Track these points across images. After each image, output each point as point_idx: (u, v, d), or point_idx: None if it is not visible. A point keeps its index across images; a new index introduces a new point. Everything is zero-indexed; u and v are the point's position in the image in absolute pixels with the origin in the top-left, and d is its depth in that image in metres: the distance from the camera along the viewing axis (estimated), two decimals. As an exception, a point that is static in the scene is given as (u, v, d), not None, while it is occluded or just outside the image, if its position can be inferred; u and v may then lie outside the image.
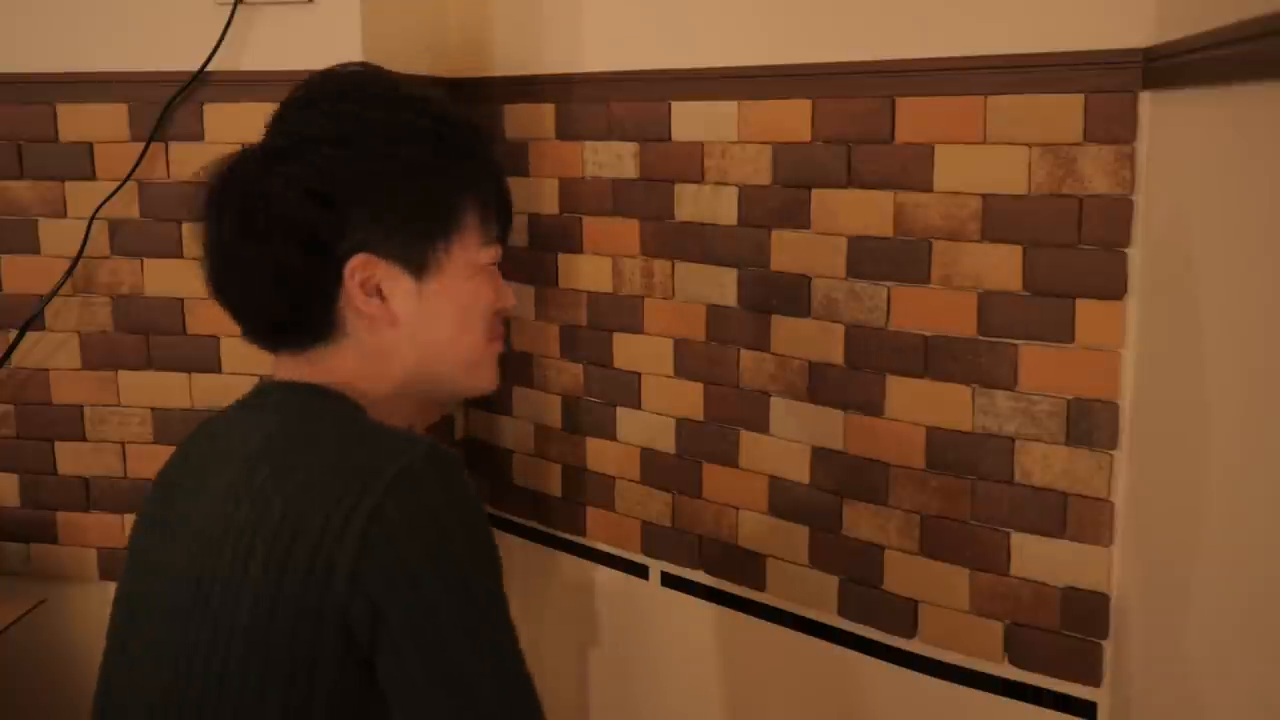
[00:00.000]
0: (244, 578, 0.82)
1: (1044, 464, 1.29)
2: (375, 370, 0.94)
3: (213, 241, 0.93)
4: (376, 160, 0.91)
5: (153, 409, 1.67)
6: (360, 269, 0.91)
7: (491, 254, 0.98)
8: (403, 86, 0.98)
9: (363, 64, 1.00)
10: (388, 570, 0.79)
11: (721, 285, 1.56)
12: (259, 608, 0.81)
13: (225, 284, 0.95)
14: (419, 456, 0.82)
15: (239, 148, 0.95)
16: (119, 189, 1.61)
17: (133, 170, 1.60)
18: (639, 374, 1.67)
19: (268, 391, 0.95)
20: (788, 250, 1.48)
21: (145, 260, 1.64)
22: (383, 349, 0.94)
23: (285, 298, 0.92)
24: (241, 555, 0.83)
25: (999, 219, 1.29)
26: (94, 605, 1.72)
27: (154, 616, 0.89)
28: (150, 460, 1.68)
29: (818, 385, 1.47)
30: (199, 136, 1.60)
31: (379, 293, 0.92)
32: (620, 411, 1.71)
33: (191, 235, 0.99)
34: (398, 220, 0.92)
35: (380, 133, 0.92)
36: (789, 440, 1.52)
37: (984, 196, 1.30)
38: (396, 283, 0.92)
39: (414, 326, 0.94)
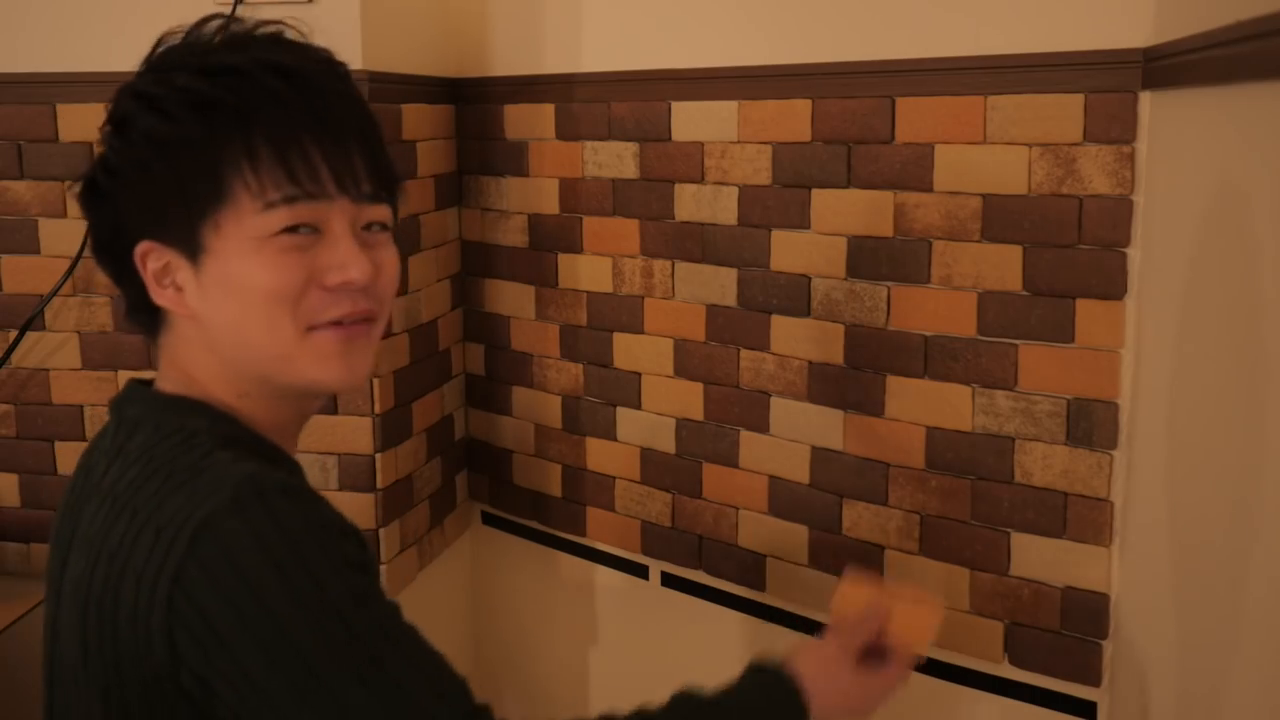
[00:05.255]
0: (85, 641, 0.77)
1: (1044, 464, 1.29)
2: (209, 365, 0.84)
3: None
4: (139, 140, 0.81)
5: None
6: (148, 257, 0.82)
7: (276, 219, 0.79)
8: (205, 41, 0.86)
9: (213, 17, 0.88)
10: (199, 639, 0.71)
11: (721, 285, 1.56)
12: (109, 676, 0.75)
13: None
14: (223, 500, 0.72)
15: None
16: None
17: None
18: (639, 374, 1.67)
19: (128, 403, 0.86)
20: (788, 250, 1.48)
21: (145, 260, 1.64)
22: (202, 343, 0.83)
23: (122, 291, 0.87)
24: (76, 612, 0.78)
25: (999, 219, 1.29)
26: (94, 605, 1.72)
27: (49, 640, 0.86)
28: (150, 460, 1.67)
29: (818, 385, 1.47)
30: (199, 136, 1.60)
31: (175, 283, 0.82)
32: (620, 411, 1.71)
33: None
34: (162, 202, 0.81)
35: (148, 106, 0.81)
36: (789, 440, 1.52)
37: (984, 196, 1.30)
38: (181, 271, 0.81)
39: (205, 318, 0.82)
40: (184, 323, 0.84)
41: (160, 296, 0.82)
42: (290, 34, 0.87)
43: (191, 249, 0.80)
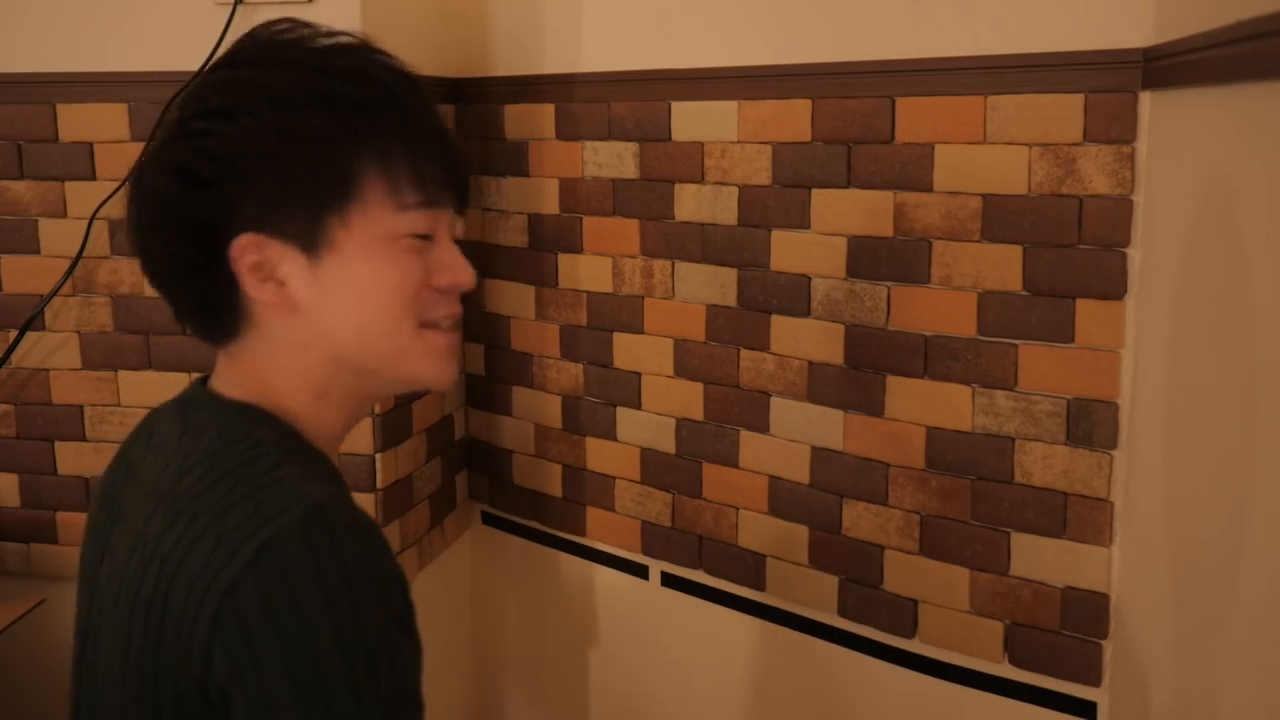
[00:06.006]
0: (129, 640, 0.76)
1: (1044, 464, 1.29)
2: (293, 366, 0.83)
3: (131, 239, 0.86)
4: (260, 130, 0.80)
5: (152, 409, 1.67)
6: (248, 250, 0.80)
7: (409, 222, 0.82)
8: (312, 42, 0.85)
9: (286, 20, 0.88)
10: (235, 655, 0.70)
11: (721, 285, 1.56)
12: (145, 679, 0.75)
13: (151, 281, 0.86)
14: (292, 521, 0.72)
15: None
16: (119, 189, 1.61)
17: (132, 170, 1.60)
18: (639, 374, 1.67)
19: (193, 406, 0.86)
20: (788, 250, 1.48)
21: (145, 260, 1.64)
22: (294, 341, 0.83)
23: (191, 290, 0.84)
24: (125, 615, 0.77)
25: (999, 219, 1.29)
26: (94, 605, 1.72)
27: (86, 653, 0.84)
28: (150, 460, 1.68)
29: (818, 385, 1.47)
30: (199, 136, 1.60)
31: (275, 277, 0.81)
32: (620, 411, 1.71)
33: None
34: (285, 194, 0.80)
35: (267, 98, 0.80)
36: (789, 440, 1.52)
37: (984, 196, 1.30)
38: (290, 264, 0.81)
39: (316, 313, 0.82)
40: (275, 321, 0.83)
41: (259, 290, 0.81)
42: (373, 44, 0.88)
43: (311, 243, 0.81)
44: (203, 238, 0.81)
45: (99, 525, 0.87)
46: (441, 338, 0.85)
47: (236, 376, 0.85)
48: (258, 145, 0.80)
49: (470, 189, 0.90)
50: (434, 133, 0.84)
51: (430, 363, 0.85)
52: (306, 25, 0.87)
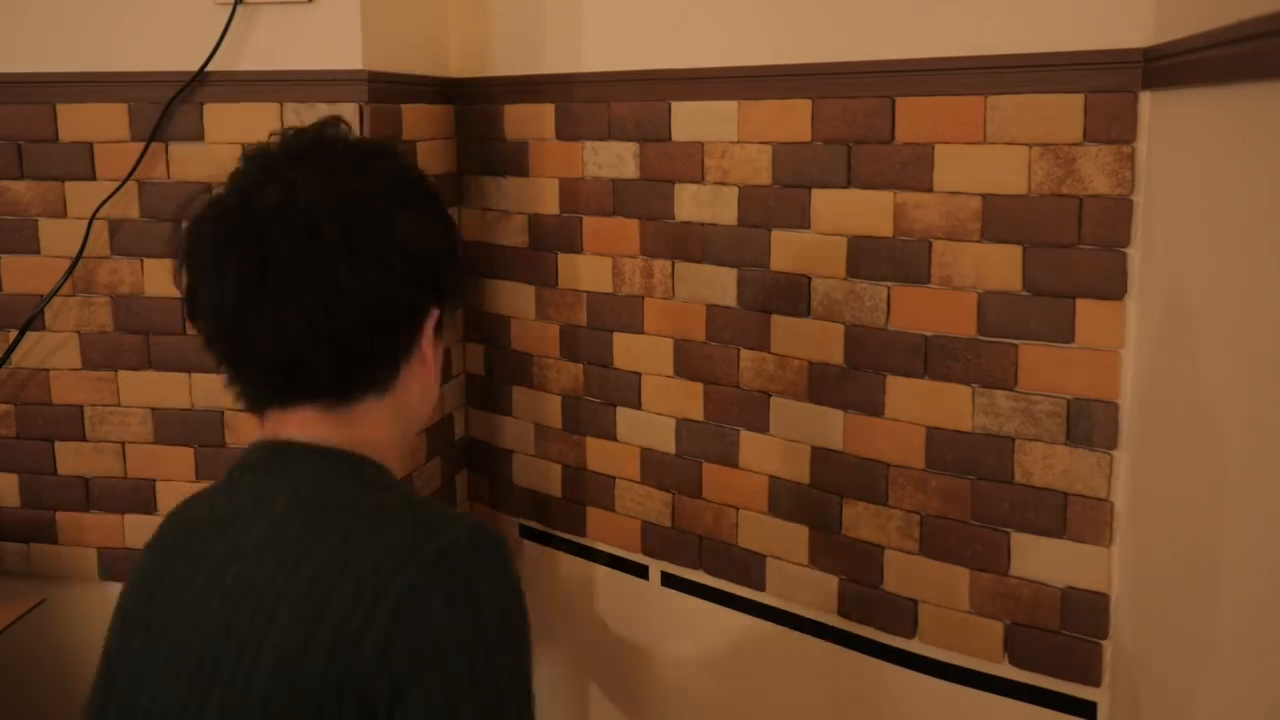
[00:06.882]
0: (264, 642, 0.78)
1: (1044, 464, 1.29)
2: (401, 426, 0.94)
3: (243, 288, 0.84)
4: (433, 218, 0.93)
5: (153, 409, 1.67)
6: (434, 319, 0.93)
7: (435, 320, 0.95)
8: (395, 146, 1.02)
9: (333, 119, 0.97)
10: (418, 651, 0.75)
11: (721, 285, 1.56)
12: (279, 677, 0.77)
13: (255, 331, 0.85)
14: (462, 536, 0.80)
15: (238, 180, 0.89)
16: (119, 189, 1.61)
17: (133, 170, 1.60)
18: (639, 374, 1.67)
19: (280, 451, 0.88)
20: (788, 250, 1.48)
21: (145, 260, 1.64)
22: (413, 402, 0.94)
23: (362, 346, 0.88)
24: (264, 618, 0.79)
25: (999, 219, 1.29)
26: (94, 605, 1.72)
27: (155, 683, 0.84)
28: (150, 460, 1.68)
29: (818, 385, 1.47)
30: (199, 136, 1.60)
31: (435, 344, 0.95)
32: (620, 411, 1.71)
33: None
34: (456, 280, 0.96)
35: (419, 191, 0.94)
36: (789, 440, 1.52)
37: (984, 196, 1.30)
38: (431, 343, 0.94)
39: (423, 385, 0.95)
40: (413, 380, 0.93)
41: (435, 346, 0.94)
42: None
43: (440, 324, 0.94)
44: (415, 306, 0.92)
45: (151, 581, 0.89)
46: None
47: (334, 431, 0.89)
48: (452, 239, 0.96)
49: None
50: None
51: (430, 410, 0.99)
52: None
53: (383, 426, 0.91)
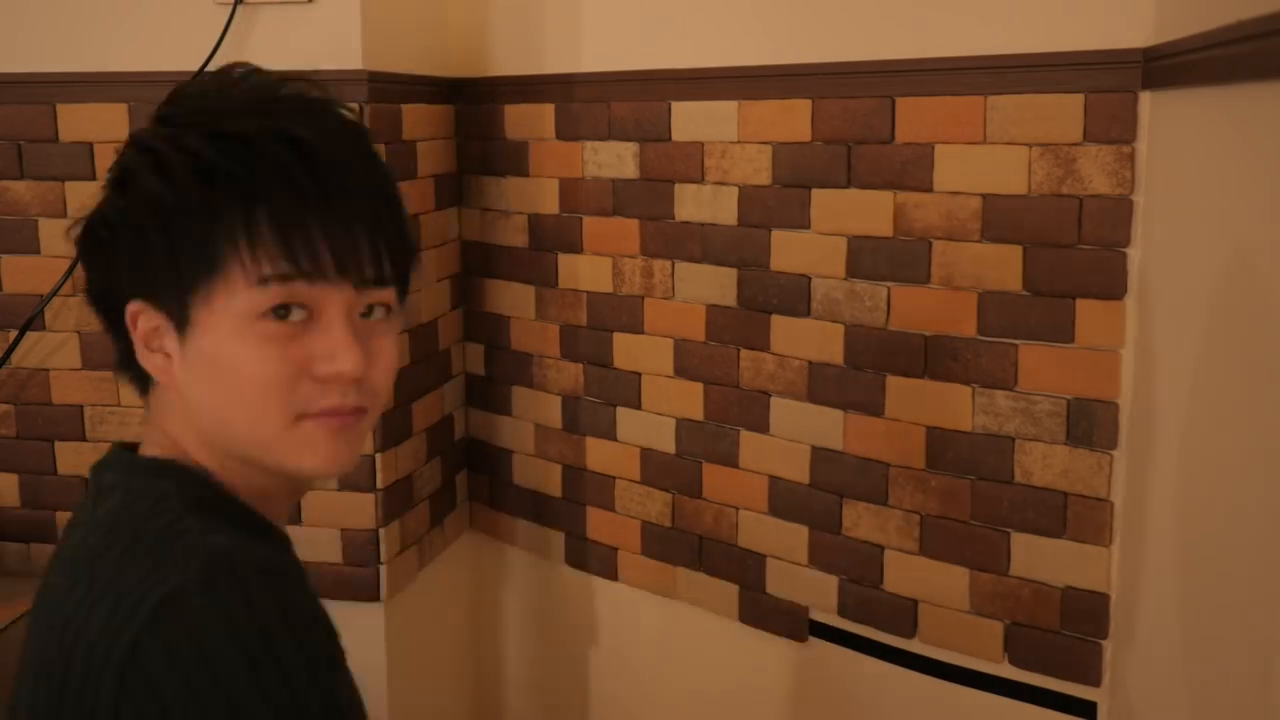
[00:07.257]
0: (33, 714, 0.72)
1: (1044, 464, 1.29)
2: (191, 434, 0.79)
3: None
4: (139, 198, 0.76)
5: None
6: (138, 318, 0.78)
7: (266, 297, 0.74)
8: (225, 98, 0.81)
9: (238, 67, 0.84)
10: (144, 715, 0.66)
11: (721, 285, 1.56)
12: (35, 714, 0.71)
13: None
14: (193, 575, 0.67)
15: None
16: (119, 189, 1.61)
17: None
18: (639, 374, 1.67)
19: (104, 469, 0.82)
20: (788, 250, 1.48)
21: (145, 260, 1.64)
22: (184, 411, 0.79)
23: (113, 344, 0.83)
24: (29, 684, 0.74)
25: (999, 219, 1.29)
26: (94, 605, 1.72)
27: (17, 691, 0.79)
28: (150, 460, 1.68)
29: (818, 385, 1.47)
30: (199, 136, 1.60)
31: (163, 349, 0.78)
32: (620, 411, 1.71)
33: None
34: (157, 267, 0.76)
35: (153, 164, 0.76)
36: (789, 440, 1.52)
37: (984, 196, 1.30)
38: (168, 338, 0.77)
39: (186, 393, 0.78)
40: (165, 385, 0.80)
41: (147, 360, 0.78)
42: (316, 93, 0.81)
43: (179, 319, 0.76)
44: (104, 297, 0.81)
45: (35, 607, 0.81)
46: (318, 429, 0.76)
47: (153, 432, 0.82)
48: (134, 215, 0.77)
49: (397, 255, 0.79)
50: (325, 199, 0.75)
51: (302, 455, 0.77)
52: (247, 69, 0.82)
53: (171, 427, 0.80)
